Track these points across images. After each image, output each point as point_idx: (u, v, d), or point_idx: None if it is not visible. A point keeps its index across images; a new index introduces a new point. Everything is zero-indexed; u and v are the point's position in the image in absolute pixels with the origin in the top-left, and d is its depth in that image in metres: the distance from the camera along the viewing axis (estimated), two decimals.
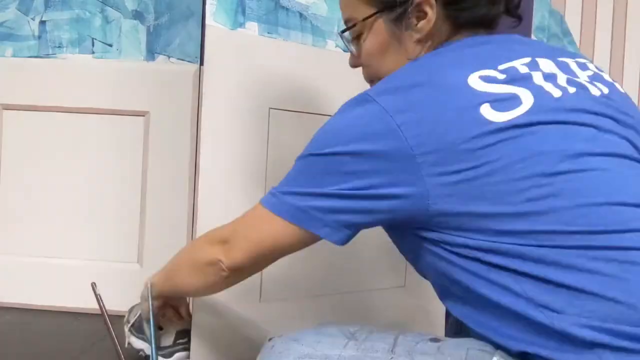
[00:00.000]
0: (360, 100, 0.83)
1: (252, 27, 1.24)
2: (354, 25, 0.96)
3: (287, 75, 1.30)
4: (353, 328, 0.83)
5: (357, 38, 0.98)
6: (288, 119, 1.29)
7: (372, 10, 0.94)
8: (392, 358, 0.76)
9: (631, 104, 0.90)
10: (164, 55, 1.88)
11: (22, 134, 1.90)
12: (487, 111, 0.77)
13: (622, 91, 0.91)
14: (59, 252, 1.89)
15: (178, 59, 1.88)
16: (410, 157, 0.77)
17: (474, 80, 0.79)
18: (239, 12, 1.22)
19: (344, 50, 1.41)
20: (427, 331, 0.86)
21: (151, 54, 1.89)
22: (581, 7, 1.96)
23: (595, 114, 0.81)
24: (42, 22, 1.89)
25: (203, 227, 1.20)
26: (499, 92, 0.78)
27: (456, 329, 1.11)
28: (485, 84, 0.79)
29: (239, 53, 1.22)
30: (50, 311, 1.87)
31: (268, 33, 1.27)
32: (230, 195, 1.26)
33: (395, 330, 0.83)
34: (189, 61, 1.87)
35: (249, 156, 1.29)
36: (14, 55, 1.91)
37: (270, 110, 1.27)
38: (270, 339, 0.82)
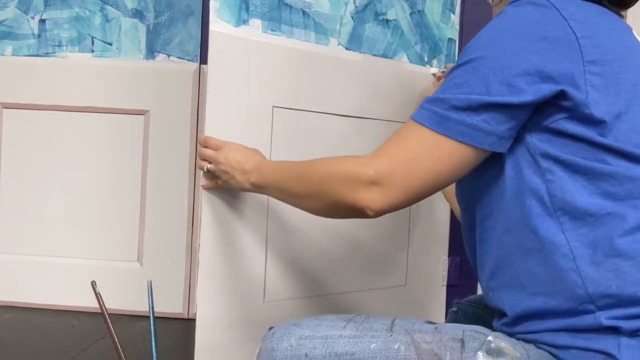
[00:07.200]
0: None
1: (255, 24, 1.24)
2: None
3: (291, 73, 1.29)
4: (351, 315, 0.86)
5: None
6: (291, 117, 1.29)
7: None
8: (391, 335, 0.78)
9: None
10: (164, 53, 1.88)
11: (21, 133, 1.90)
12: None
13: None
14: (59, 251, 1.89)
15: (178, 57, 1.87)
16: None
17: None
18: (243, 9, 1.21)
19: (346, 48, 1.40)
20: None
21: (151, 52, 1.88)
22: None
23: None
24: (42, 21, 1.89)
25: (204, 226, 1.20)
26: None
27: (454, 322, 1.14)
28: None
29: (243, 50, 1.22)
30: (51, 310, 1.87)
31: (272, 30, 1.26)
32: (233, 194, 1.25)
33: (392, 316, 0.86)
34: (188, 60, 1.87)
35: None
36: (13, 54, 1.90)
37: (274, 108, 1.26)
38: (270, 328, 0.85)
